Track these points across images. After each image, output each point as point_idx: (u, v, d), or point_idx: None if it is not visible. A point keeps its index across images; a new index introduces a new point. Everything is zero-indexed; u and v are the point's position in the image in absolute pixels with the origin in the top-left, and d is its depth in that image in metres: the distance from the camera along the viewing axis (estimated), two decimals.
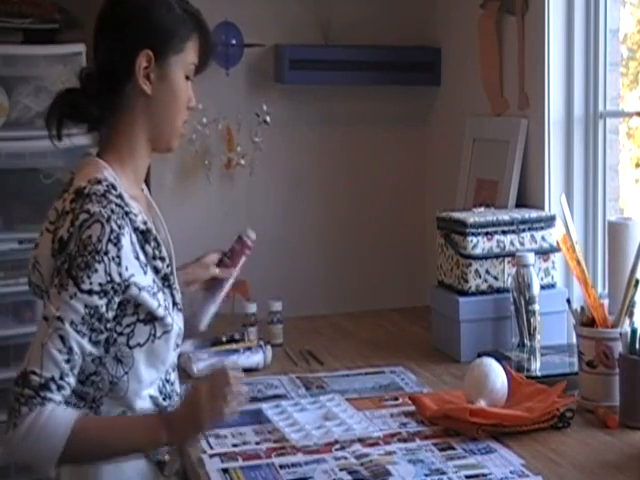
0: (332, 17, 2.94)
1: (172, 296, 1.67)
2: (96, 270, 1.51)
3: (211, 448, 1.75)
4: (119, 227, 1.54)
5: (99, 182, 1.58)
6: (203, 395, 1.59)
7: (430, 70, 2.98)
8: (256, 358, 2.26)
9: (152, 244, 1.63)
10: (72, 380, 1.52)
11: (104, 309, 1.53)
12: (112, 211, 1.54)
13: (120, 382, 1.60)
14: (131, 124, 1.67)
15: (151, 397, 1.65)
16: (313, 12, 2.94)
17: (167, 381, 1.69)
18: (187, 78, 1.69)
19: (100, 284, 1.52)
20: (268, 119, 2.86)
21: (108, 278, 1.53)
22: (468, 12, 2.78)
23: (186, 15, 1.67)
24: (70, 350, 1.51)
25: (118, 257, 1.53)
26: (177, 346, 1.69)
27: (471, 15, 2.76)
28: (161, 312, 1.61)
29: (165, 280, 1.65)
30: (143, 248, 1.61)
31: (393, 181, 3.08)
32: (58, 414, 1.49)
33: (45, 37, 2.87)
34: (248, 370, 2.22)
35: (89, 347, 1.53)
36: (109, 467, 1.61)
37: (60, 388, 1.50)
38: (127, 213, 1.58)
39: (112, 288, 1.53)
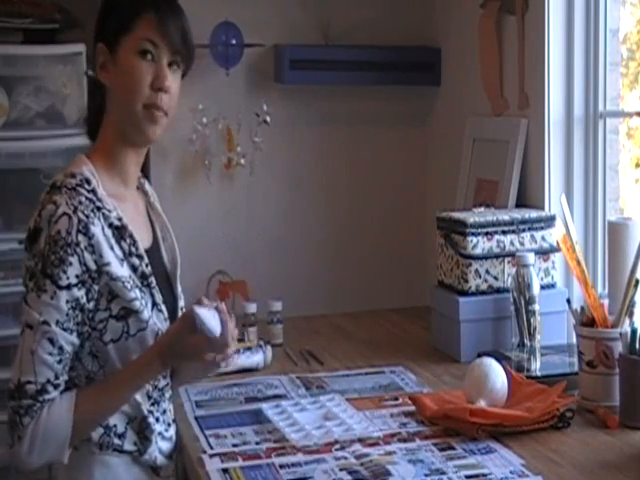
0: (332, 17, 2.94)
1: (152, 295, 1.65)
2: (70, 263, 1.52)
3: (211, 448, 1.75)
4: (86, 217, 1.54)
5: (73, 176, 1.59)
6: (206, 350, 1.57)
7: (430, 70, 2.98)
8: (256, 358, 2.26)
9: (128, 241, 1.61)
10: (66, 376, 1.55)
11: (84, 299, 1.54)
12: (80, 202, 1.55)
13: (96, 377, 1.60)
14: (107, 122, 1.67)
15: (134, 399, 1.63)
16: (313, 12, 2.94)
17: (155, 387, 1.67)
18: (144, 55, 1.60)
19: (77, 276, 1.52)
20: (268, 119, 2.86)
21: (84, 268, 1.53)
22: (468, 12, 2.78)
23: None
24: (61, 349, 1.52)
25: (91, 246, 1.54)
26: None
27: (471, 15, 2.76)
28: (137, 305, 1.59)
29: (143, 279, 1.63)
30: (119, 243, 1.60)
31: (393, 181, 3.07)
32: (54, 409, 1.51)
33: (45, 37, 2.87)
34: (248, 370, 2.23)
35: (77, 340, 1.55)
36: (103, 468, 1.61)
37: (56, 387, 1.53)
38: (99, 208, 1.57)
39: (89, 277, 1.54)
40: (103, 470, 1.62)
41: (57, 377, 1.52)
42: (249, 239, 2.94)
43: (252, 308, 2.46)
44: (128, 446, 1.63)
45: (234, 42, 2.81)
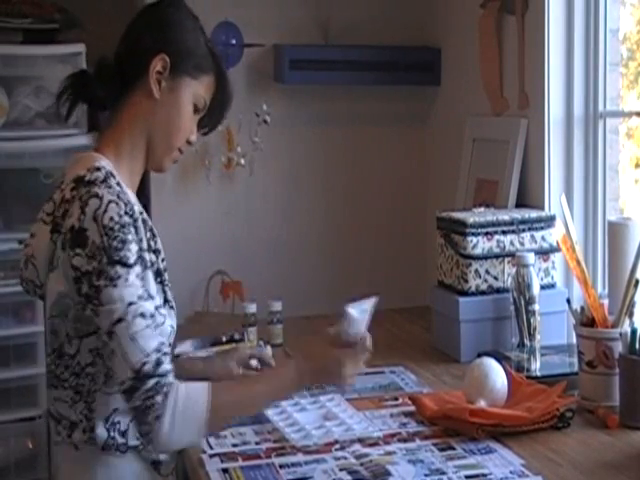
0: (332, 17, 2.94)
1: (164, 292, 1.66)
2: (131, 241, 1.54)
3: (211, 448, 1.75)
4: (129, 201, 1.57)
5: (98, 169, 1.60)
6: (346, 359, 1.69)
7: (430, 70, 2.98)
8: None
9: (148, 235, 1.62)
10: (166, 341, 1.56)
11: (148, 272, 1.57)
12: (117, 191, 1.57)
13: (115, 375, 1.60)
14: (133, 124, 1.68)
15: None
16: (313, 12, 2.94)
17: None
18: (195, 111, 1.72)
19: (137, 251, 1.55)
20: (268, 119, 2.86)
21: (138, 246, 1.55)
22: (468, 12, 2.78)
23: (209, 52, 1.72)
24: (152, 316, 1.53)
25: (135, 227, 1.56)
26: (169, 345, 1.69)
27: (471, 15, 2.76)
28: (157, 301, 1.60)
29: (158, 275, 1.64)
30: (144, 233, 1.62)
31: (393, 181, 3.08)
32: (191, 389, 1.54)
33: (45, 37, 2.87)
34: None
35: (159, 301, 1.59)
36: (104, 468, 1.62)
37: (166, 355, 1.54)
38: (127, 200, 1.59)
39: (143, 255, 1.57)
40: (105, 470, 1.62)
41: (162, 344, 1.53)
42: (249, 239, 2.94)
43: (252, 308, 2.46)
44: (132, 441, 1.63)
45: (234, 42, 2.81)
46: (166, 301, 1.66)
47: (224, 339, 2.32)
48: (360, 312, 1.68)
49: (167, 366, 1.53)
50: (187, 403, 1.52)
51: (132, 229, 1.55)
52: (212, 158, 2.86)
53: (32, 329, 2.80)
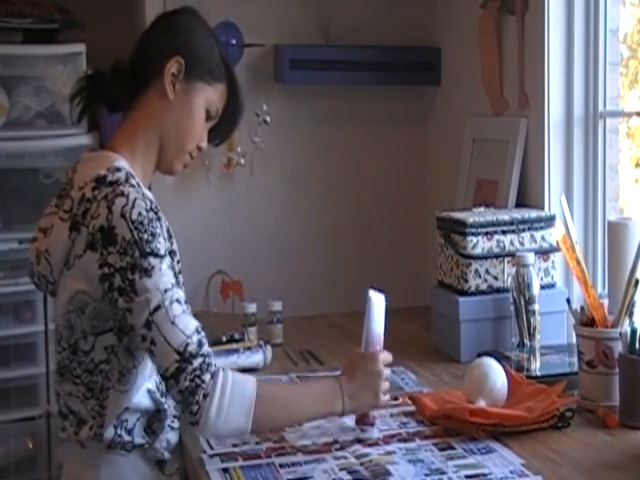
0: (332, 17, 2.94)
1: None
2: (160, 234, 1.58)
3: (211, 448, 1.75)
4: (153, 200, 1.62)
5: (119, 170, 1.62)
6: (380, 366, 1.75)
7: (430, 70, 2.98)
8: (256, 358, 2.26)
9: (165, 235, 1.64)
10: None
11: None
12: (142, 191, 1.61)
13: (128, 374, 1.61)
14: (147, 124, 1.71)
15: (149, 391, 1.65)
16: (313, 12, 2.94)
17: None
18: (207, 117, 1.75)
19: (164, 244, 1.59)
20: (268, 119, 2.86)
21: (164, 238, 1.60)
22: (468, 12, 2.78)
23: (222, 62, 1.76)
24: (186, 303, 1.58)
25: (160, 226, 1.60)
26: None
27: (471, 15, 2.76)
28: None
29: (174, 277, 1.64)
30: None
31: (393, 181, 3.08)
32: (239, 376, 1.58)
33: (45, 37, 2.87)
34: (248, 370, 2.23)
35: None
36: (109, 466, 1.62)
37: (205, 337, 1.57)
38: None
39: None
40: (110, 468, 1.63)
41: (198, 327, 1.57)
42: (249, 239, 2.94)
43: (252, 308, 2.46)
44: (138, 439, 1.63)
45: (234, 42, 2.81)
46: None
47: (224, 339, 2.32)
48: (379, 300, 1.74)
49: (208, 348, 1.56)
50: (235, 387, 1.55)
51: (159, 224, 1.59)
52: (212, 158, 2.86)
53: (32, 329, 2.81)
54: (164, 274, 1.56)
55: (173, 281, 1.57)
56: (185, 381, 1.52)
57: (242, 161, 2.87)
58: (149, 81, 1.70)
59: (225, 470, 1.65)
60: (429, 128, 3.09)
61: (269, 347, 2.31)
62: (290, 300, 2.60)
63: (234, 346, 2.28)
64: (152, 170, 1.75)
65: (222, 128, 1.81)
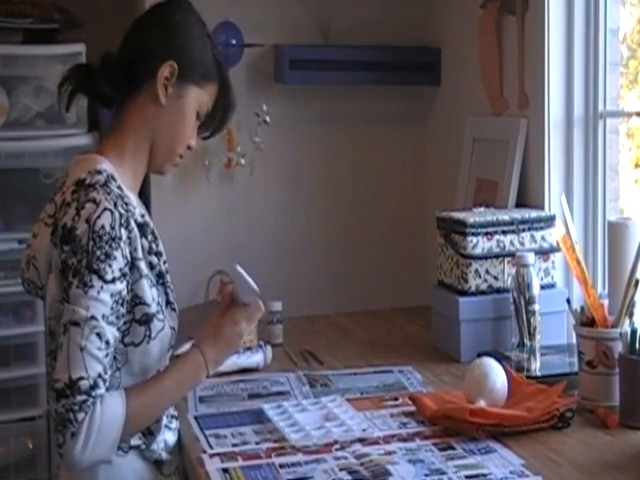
0: (332, 17, 2.94)
1: (166, 294, 1.67)
2: (115, 257, 1.53)
3: (211, 448, 1.75)
4: (126, 211, 1.58)
5: (99, 172, 1.61)
6: (242, 326, 1.70)
7: (430, 70, 2.98)
8: (256, 358, 2.26)
9: (149, 237, 1.64)
10: (110, 371, 1.55)
11: (125, 292, 1.56)
12: (116, 197, 1.57)
13: (112, 378, 1.59)
14: (138, 127, 1.70)
15: None
16: (313, 12, 2.94)
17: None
18: (197, 117, 1.74)
19: (120, 269, 1.54)
20: (268, 119, 2.86)
21: (125, 261, 1.55)
22: (468, 12, 2.78)
23: (214, 60, 1.74)
24: (107, 343, 1.52)
25: (129, 239, 1.57)
26: (171, 347, 1.69)
27: (471, 15, 2.76)
28: (154, 308, 1.62)
29: (159, 277, 1.65)
30: (141, 240, 1.62)
31: (393, 181, 3.07)
32: (108, 405, 1.51)
33: (45, 37, 2.87)
34: (248, 370, 2.23)
35: (118, 334, 1.56)
36: (106, 467, 1.61)
37: (105, 381, 1.52)
38: (126, 204, 1.60)
39: (129, 270, 1.57)
40: (107, 469, 1.62)
41: (105, 371, 1.52)
42: (249, 239, 2.94)
43: None
44: (134, 440, 1.63)
45: (234, 42, 2.81)
46: (168, 303, 1.68)
47: None
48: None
49: (101, 391, 1.51)
50: (102, 422, 1.50)
51: (121, 244, 1.55)
52: (212, 158, 2.86)
53: (32, 329, 2.81)
54: (100, 300, 1.51)
55: (107, 313, 1.52)
56: (62, 407, 1.48)
57: (242, 161, 2.87)
58: (141, 82, 1.68)
59: (225, 470, 1.65)
60: (429, 128, 3.09)
61: (269, 347, 2.31)
62: (290, 300, 2.60)
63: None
64: (144, 170, 1.74)
65: (213, 124, 1.80)
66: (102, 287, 1.51)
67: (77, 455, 1.49)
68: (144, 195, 2.50)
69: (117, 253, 1.53)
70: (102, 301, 1.52)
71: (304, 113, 2.97)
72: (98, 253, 1.52)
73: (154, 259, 1.64)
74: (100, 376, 1.51)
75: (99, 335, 1.51)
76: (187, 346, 1.76)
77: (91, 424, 1.48)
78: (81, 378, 1.49)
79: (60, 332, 1.52)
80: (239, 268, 1.70)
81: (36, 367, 2.79)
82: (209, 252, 2.87)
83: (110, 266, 1.52)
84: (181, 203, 2.87)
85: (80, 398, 1.48)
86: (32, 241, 1.70)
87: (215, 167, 2.87)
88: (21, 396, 2.86)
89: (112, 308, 1.53)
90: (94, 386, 1.50)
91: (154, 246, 1.65)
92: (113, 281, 1.53)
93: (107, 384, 1.53)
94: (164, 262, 1.68)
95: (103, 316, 1.52)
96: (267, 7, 2.89)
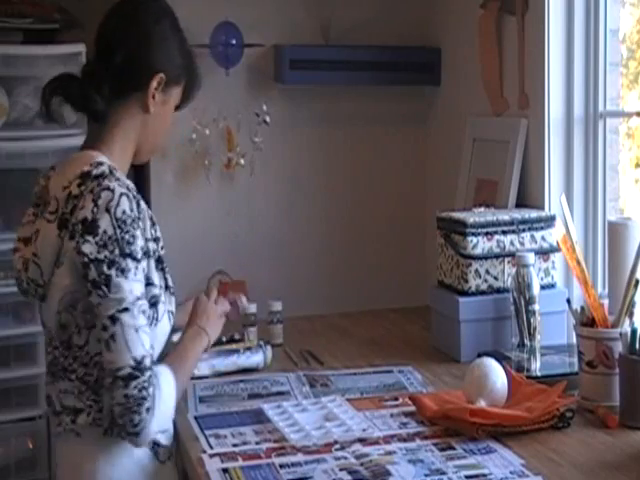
0: (332, 17, 2.94)
1: (165, 279, 1.72)
2: (138, 236, 1.60)
3: (211, 448, 1.75)
4: (136, 193, 1.65)
5: (101, 164, 1.66)
6: (204, 298, 1.91)
7: (430, 70, 2.98)
8: (256, 358, 2.26)
9: (148, 223, 1.67)
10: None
11: (147, 269, 1.64)
12: (127, 184, 1.64)
13: None
14: (126, 132, 1.74)
15: None
16: (313, 12, 2.94)
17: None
18: (176, 108, 1.83)
19: (141, 247, 1.61)
20: (268, 119, 2.86)
21: (144, 240, 1.63)
22: (468, 12, 2.78)
23: (188, 54, 1.80)
24: (148, 318, 1.61)
25: (142, 220, 1.63)
26: (168, 331, 1.74)
27: (471, 15, 2.76)
28: (159, 291, 1.67)
29: (158, 262, 1.70)
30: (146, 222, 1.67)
31: (393, 181, 3.07)
32: (164, 379, 1.63)
33: (45, 37, 2.86)
34: (248, 370, 2.23)
35: (158, 291, 1.67)
36: (105, 454, 1.65)
37: (153, 353, 1.63)
38: (131, 189, 1.66)
39: (147, 245, 1.65)
40: (106, 456, 1.65)
41: (152, 344, 1.61)
42: (249, 239, 2.94)
43: (252, 308, 2.46)
44: None
45: (234, 42, 2.81)
46: (167, 287, 1.72)
47: (224, 339, 2.31)
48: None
49: (153, 364, 1.61)
50: (165, 394, 1.61)
51: (140, 223, 1.61)
52: (212, 158, 2.86)
53: (32, 329, 2.80)
54: (139, 280, 1.59)
55: (143, 290, 1.60)
56: (134, 389, 1.55)
57: (242, 161, 2.87)
58: (130, 92, 1.73)
59: (225, 470, 1.65)
60: (429, 128, 3.09)
61: (269, 347, 2.31)
62: (290, 300, 2.60)
63: (234, 346, 2.28)
64: (128, 165, 1.79)
65: (183, 99, 1.84)
66: (137, 267, 1.59)
67: (153, 428, 1.59)
68: (144, 195, 2.50)
69: (138, 232, 1.60)
70: (139, 280, 1.60)
71: (304, 113, 2.97)
72: (127, 237, 1.58)
73: (153, 245, 1.68)
74: (153, 348, 1.61)
75: (144, 312, 1.59)
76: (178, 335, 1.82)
77: (160, 396, 1.59)
78: (144, 356, 1.57)
79: (105, 324, 1.56)
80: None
81: (36, 367, 2.78)
82: (209, 252, 2.87)
83: (138, 245, 1.60)
84: (181, 203, 2.87)
85: (147, 374, 1.56)
86: (20, 245, 1.74)
87: (215, 167, 2.87)
88: (21, 396, 2.86)
89: (144, 285, 1.61)
90: (152, 360, 1.60)
91: (153, 232, 1.69)
92: (141, 260, 1.60)
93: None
94: (162, 247, 1.72)
95: (142, 294, 1.60)
96: (267, 7, 2.89)
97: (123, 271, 1.57)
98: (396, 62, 2.93)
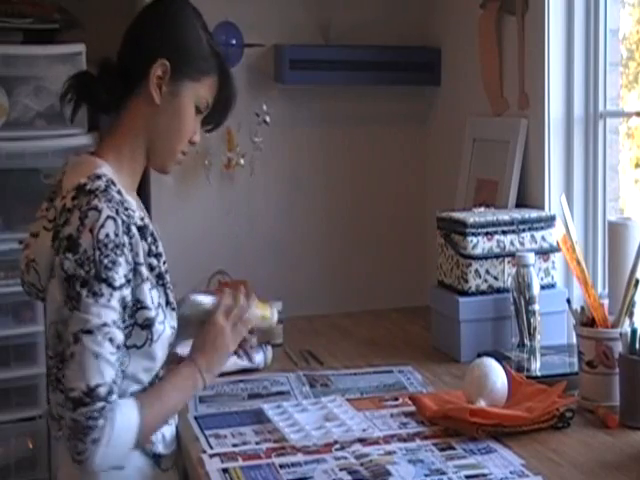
0: (332, 17, 2.94)
1: (165, 295, 1.67)
2: (120, 264, 1.55)
3: (211, 448, 1.75)
4: (127, 217, 1.58)
5: (99, 178, 1.60)
6: (221, 323, 1.72)
7: (430, 70, 2.98)
8: (256, 358, 2.26)
9: (149, 240, 1.64)
10: (120, 373, 1.57)
11: (129, 297, 1.58)
12: (117, 204, 1.58)
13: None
14: (134, 128, 1.69)
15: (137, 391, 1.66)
16: (313, 12, 2.94)
17: (156, 376, 1.69)
18: (197, 111, 1.72)
19: (125, 275, 1.56)
20: (268, 119, 2.86)
21: (129, 267, 1.57)
22: (468, 12, 2.78)
23: (211, 52, 1.72)
24: (118, 348, 1.55)
25: (130, 245, 1.58)
26: (169, 345, 1.70)
27: (471, 15, 2.76)
28: (155, 312, 1.62)
29: (159, 278, 1.66)
30: (141, 243, 1.62)
31: (393, 181, 3.07)
32: (125, 412, 1.54)
33: (45, 37, 2.87)
34: (248, 370, 2.23)
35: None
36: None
37: (117, 387, 1.55)
38: (126, 208, 1.61)
39: (132, 275, 1.58)
40: None
41: (117, 376, 1.55)
42: (249, 239, 2.94)
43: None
44: None
45: (234, 42, 2.81)
46: (168, 303, 1.68)
47: None
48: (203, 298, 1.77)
49: (116, 397, 1.53)
50: (121, 428, 1.53)
51: (125, 251, 1.56)
52: (212, 158, 2.86)
53: (32, 329, 2.81)
54: (111, 307, 1.53)
55: (116, 318, 1.54)
56: (81, 416, 1.49)
57: (242, 161, 2.87)
58: (136, 83, 1.67)
59: (225, 470, 1.65)
60: (429, 128, 3.09)
61: (269, 347, 2.31)
62: (290, 300, 2.60)
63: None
64: (141, 169, 1.74)
65: (214, 117, 1.79)
66: (112, 294, 1.53)
67: (99, 460, 1.51)
68: (144, 195, 2.50)
69: (121, 259, 1.55)
70: (112, 307, 1.54)
71: (304, 113, 2.97)
72: (105, 261, 1.53)
73: (154, 261, 1.64)
74: (114, 381, 1.53)
75: (111, 340, 1.53)
76: (188, 345, 1.78)
77: (111, 430, 1.51)
78: (98, 385, 1.50)
79: (69, 340, 1.53)
80: (193, 297, 1.76)
81: (36, 367, 2.78)
82: (209, 252, 2.87)
83: (117, 273, 1.54)
84: (181, 203, 2.87)
85: (99, 405, 1.50)
86: (30, 240, 1.70)
87: (215, 167, 2.87)
88: (21, 396, 2.86)
89: (120, 313, 1.55)
90: (110, 392, 1.52)
91: (154, 248, 1.65)
92: (121, 287, 1.55)
93: (120, 385, 1.56)
94: (164, 262, 1.68)
95: (113, 322, 1.54)
96: (267, 7, 2.89)
97: (95, 294, 1.52)
98: (396, 62, 2.93)
